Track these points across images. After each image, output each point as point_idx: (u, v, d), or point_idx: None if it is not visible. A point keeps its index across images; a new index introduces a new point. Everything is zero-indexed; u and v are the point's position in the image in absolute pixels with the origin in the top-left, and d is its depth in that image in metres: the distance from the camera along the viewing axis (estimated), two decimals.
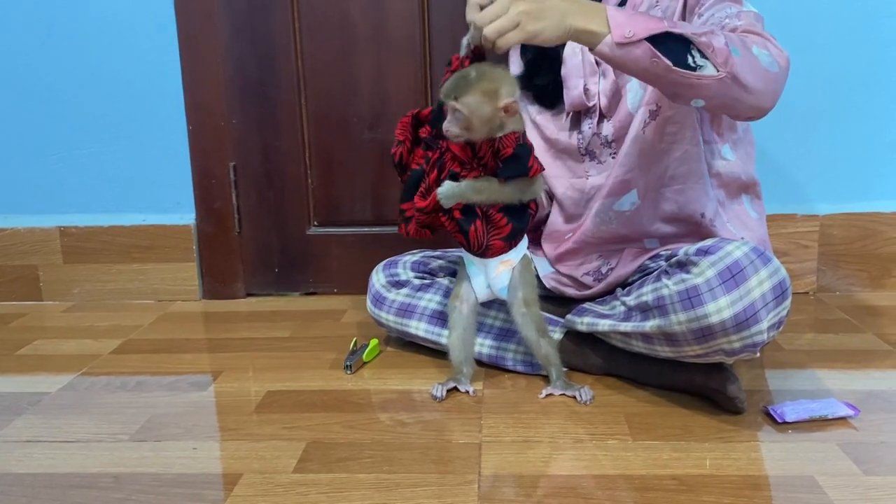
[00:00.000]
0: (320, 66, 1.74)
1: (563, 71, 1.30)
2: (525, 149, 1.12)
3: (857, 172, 1.70)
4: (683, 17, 1.21)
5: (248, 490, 0.96)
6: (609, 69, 1.26)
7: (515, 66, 1.42)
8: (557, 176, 1.37)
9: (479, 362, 1.31)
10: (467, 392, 1.22)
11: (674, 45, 1.02)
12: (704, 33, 1.03)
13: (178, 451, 1.07)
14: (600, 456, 1.02)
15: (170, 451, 1.07)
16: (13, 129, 1.81)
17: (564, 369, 1.23)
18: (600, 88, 1.28)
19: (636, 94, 1.25)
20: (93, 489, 0.98)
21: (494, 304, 1.30)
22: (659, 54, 1.01)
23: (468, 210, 1.15)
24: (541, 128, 1.38)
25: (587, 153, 1.33)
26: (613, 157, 1.29)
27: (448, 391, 1.21)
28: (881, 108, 1.67)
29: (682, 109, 1.22)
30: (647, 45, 1.01)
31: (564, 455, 1.02)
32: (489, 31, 1.01)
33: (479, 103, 1.07)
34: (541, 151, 1.38)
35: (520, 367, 1.29)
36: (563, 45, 1.29)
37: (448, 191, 1.13)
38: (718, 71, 1.03)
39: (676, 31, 1.02)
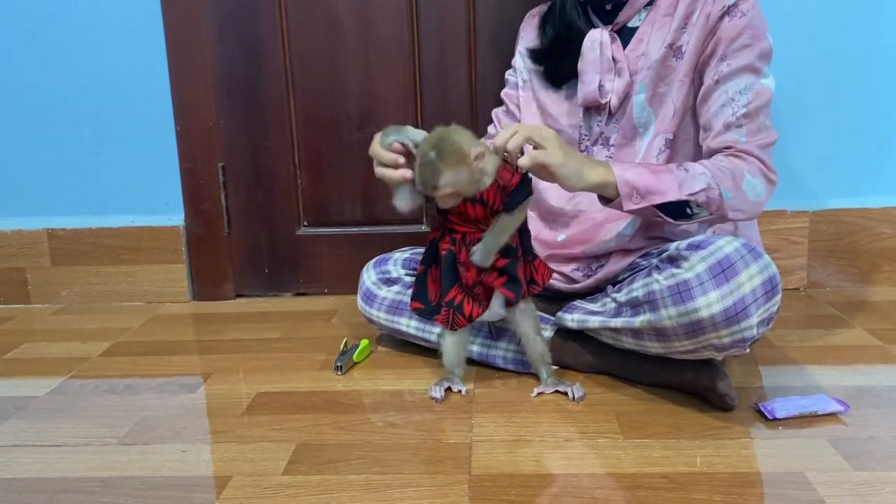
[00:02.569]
0: (308, 66, 1.73)
1: (581, 64, 1.29)
2: (526, 175, 1.12)
3: (846, 168, 1.71)
4: (699, 55, 1.22)
5: (237, 493, 0.95)
6: (625, 69, 1.26)
7: (530, 38, 1.40)
8: None
9: (470, 360, 1.31)
10: (460, 392, 1.22)
11: (675, 205, 1.13)
12: (702, 190, 1.12)
13: (167, 454, 1.07)
14: (591, 454, 1.01)
15: (159, 455, 1.07)
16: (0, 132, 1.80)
17: (554, 367, 1.24)
18: (614, 86, 1.28)
19: (643, 109, 1.27)
20: (81, 494, 0.97)
21: None
22: (661, 214, 1.14)
23: (506, 253, 1.14)
24: (546, 113, 1.37)
25: (584, 149, 1.32)
26: (609, 159, 1.29)
27: (445, 391, 1.21)
28: (871, 104, 1.67)
29: (689, 139, 1.27)
30: (653, 207, 1.12)
31: (555, 454, 1.02)
32: (517, 138, 1.07)
33: (456, 174, 1.05)
34: None
35: (510, 366, 1.29)
36: (584, 36, 1.28)
37: (481, 253, 1.12)
38: (711, 214, 1.15)
39: (679, 198, 1.12)
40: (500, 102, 1.47)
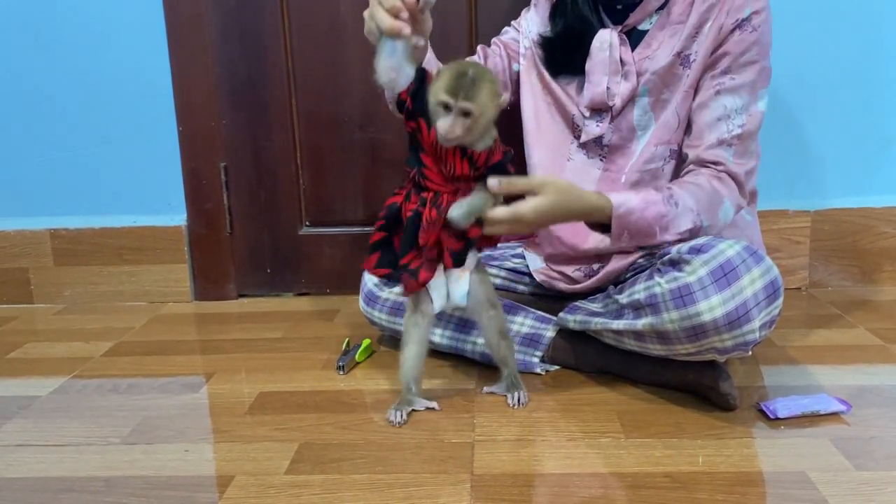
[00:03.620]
0: (310, 66, 1.73)
1: (589, 64, 1.27)
2: (508, 155, 1.09)
3: (848, 168, 1.71)
4: (709, 55, 1.22)
5: (240, 492, 0.96)
6: (632, 72, 1.25)
7: (538, 22, 1.37)
8: (538, 140, 1.35)
9: (471, 361, 1.32)
10: (432, 409, 1.17)
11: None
12: (688, 229, 1.16)
13: (169, 453, 1.07)
14: (593, 454, 1.02)
15: (161, 454, 1.07)
16: (2, 132, 1.80)
17: (556, 368, 1.26)
18: (619, 89, 1.26)
19: (644, 112, 1.26)
20: (84, 493, 0.97)
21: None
22: (643, 246, 1.19)
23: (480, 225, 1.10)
24: (554, 95, 1.34)
25: (575, 139, 1.32)
26: (602, 160, 1.29)
27: (407, 414, 1.15)
28: (872, 103, 1.67)
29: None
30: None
31: (557, 453, 1.02)
32: (501, 229, 1.09)
33: (488, 103, 1.02)
34: (540, 113, 1.36)
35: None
36: (592, 36, 1.27)
37: (462, 210, 1.05)
38: (682, 239, 1.16)
39: (664, 239, 1.15)
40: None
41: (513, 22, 1.43)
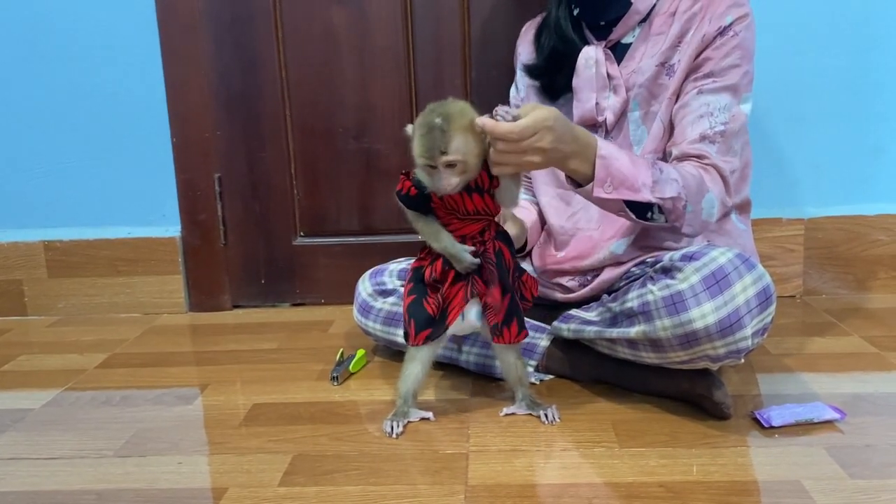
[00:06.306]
0: (304, 77, 1.73)
1: (575, 82, 1.28)
2: None
3: (841, 175, 1.71)
4: (692, 61, 1.22)
5: None
6: (621, 86, 1.26)
7: (527, 53, 1.40)
8: (545, 183, 1.37)
9: (466, 371, 1.32)
10: (426, 419, 1.16)
11: (642, 204, 1.12)
12: (672, 198, 1.11)
13: (163, 465, 1.07)
14: (587, 464, 1.01)
15: (155, 467, 1.06)
16: None
17: (550, 377, 1.25)
18: (609, 104, 1.27)
19: (637, 126, 1.27)
20: None
21: None
22: (626, 210, 1.12)
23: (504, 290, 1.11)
24: None
25: None
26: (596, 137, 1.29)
27: (404, 426, 1.14)
28: (865, 111, 1.68)
29: None
30: (621, 201, 1.10)
31: (551, 464, 1.02)
32: (503, 168, 1.03)
33: (466, 140, 0.99)
34: None
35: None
36: (579, 51, 1.28)
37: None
38: (667, 222, 1.15)
39: (649, 198, 1.10)
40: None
41: (511, 89, 1.46)
